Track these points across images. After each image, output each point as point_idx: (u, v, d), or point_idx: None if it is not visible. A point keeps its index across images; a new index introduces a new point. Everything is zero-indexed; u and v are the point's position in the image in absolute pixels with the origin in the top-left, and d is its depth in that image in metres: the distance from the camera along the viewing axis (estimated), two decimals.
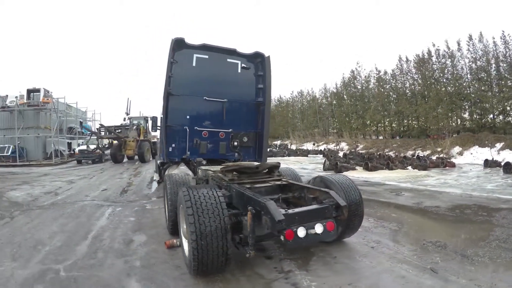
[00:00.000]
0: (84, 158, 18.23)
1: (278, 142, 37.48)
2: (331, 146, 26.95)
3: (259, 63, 6.19)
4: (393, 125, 24.95)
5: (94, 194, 7.77)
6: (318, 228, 2.73)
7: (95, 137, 19.51)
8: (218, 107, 6.07)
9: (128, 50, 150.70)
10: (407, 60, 23.54)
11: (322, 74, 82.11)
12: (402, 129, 24.20)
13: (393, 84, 24.97)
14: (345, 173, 11.74)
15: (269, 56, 6.14)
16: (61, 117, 20.40)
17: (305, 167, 14.98)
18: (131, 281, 2.95)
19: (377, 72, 26.51)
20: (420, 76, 22.18)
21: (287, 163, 17.37)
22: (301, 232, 2.63)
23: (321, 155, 20.81)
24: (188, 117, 5.97)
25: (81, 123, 22.68)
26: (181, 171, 6.57)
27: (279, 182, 3.83)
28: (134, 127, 19.00)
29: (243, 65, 6.11)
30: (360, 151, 21.60)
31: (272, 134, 42.86)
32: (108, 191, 8.19)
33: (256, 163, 4.08)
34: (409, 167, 12.35)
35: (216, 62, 5.87)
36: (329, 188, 3.58)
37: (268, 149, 26.60)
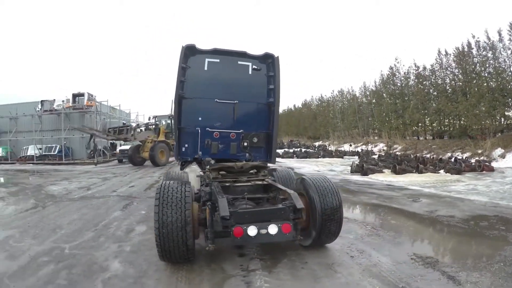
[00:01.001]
0: (125, 157, 19.24)
1: (317, 143, 36.58)
2: (369, 147, 25.80)
3: (270, 64, 6.19)
4: (433, 124, 23.01)
5: (121, 190, 8.60)
6: (272, 229, 2.82)
7: (93, 138, 18.74)
8: (229, 109, 6.18)
9: (128, 50, 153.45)
10: (446, 53, 21.59)
11: (322, 74, 78.69)
12: (443, 129, 22.19)
13: (432, 80, 23.03)
14: (371, 176, 11.28)
15: (278, 56, 6.19)
16: (104, 118, 22.04)
17: (334, 168, 14.63)
18: (115, 261, 3.43)
19: (416, 68, 24.78)
20: (460, 71, 20.20)
21: (318, 164, 17.16)
22: (252, 231, 2.75)
23: (357, 157, 20.01)
24: (200, 118, 6.14)
25: (124, 124, 24.55)
26: (192, 170, 6.98)
27: (260, 182, 3.96)
28: (152, 126, 18.00)
29: (254, 66, 6.12)
30: (397, 153, 20.39)
31: (313, 134, 42.23)
32: (134, 188, 8.98)
33: (241, 163, 4.23)
34: (441, 171, 11.39)
35: (227, 65, 5.98)
36: (306, 190, 3.60)
37: (304, 150, 26.60)
